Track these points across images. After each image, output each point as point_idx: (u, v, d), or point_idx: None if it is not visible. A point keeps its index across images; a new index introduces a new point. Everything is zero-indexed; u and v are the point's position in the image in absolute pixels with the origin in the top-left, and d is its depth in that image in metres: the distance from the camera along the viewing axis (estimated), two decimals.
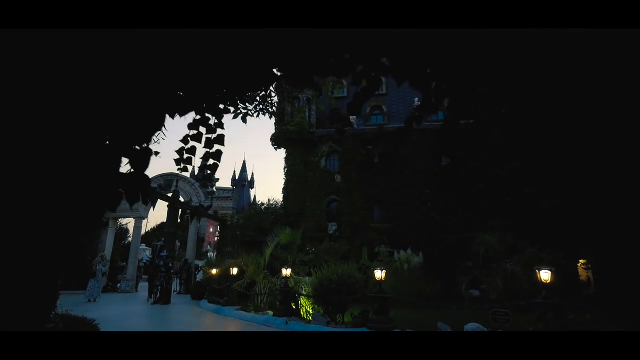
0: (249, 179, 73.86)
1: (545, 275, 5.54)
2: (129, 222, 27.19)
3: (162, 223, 38.29)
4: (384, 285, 7.51)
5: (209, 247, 21.43)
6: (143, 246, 43.23)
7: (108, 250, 21.92)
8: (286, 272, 8.75)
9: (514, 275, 11.82)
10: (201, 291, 14.57)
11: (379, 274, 7.15)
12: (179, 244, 41.50)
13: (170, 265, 13.16)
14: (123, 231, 29.24)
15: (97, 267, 13.37)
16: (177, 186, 14.67)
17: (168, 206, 13.78)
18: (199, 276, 18.78)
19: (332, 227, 19.18)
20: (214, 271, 12.77)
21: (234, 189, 21.69)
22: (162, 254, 14.03)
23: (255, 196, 61.24)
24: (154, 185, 14.95)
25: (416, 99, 21.22)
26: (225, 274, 11.99)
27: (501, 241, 13.02)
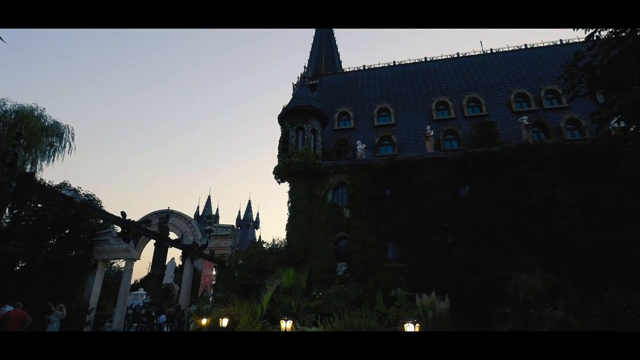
0: (254, 219, 72.11)
1: None
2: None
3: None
4: None
5: (207, 290, 19.35)
6: (141, 291, 40.68)
7: (94, 296, 19.97)
8: (285, 325, 6.86)
9: (564, 323, 9.71)
10: None
11: (411, 329, 5.28)
12: (178, 288, 39.01)
13: (153, 313, 11.22)
14: (122, 275, 27.27)
15: (49, 317, 11.30)
16: (166, 222, 13.08)
17: (155, 244, 12.14)
18: (192, 325, 16.62)
19: (342, 268, 17.16)
20: (204, 321, 10.80)
21: (233, 227, 20.01)
22: (145, 300, 12.13)
23: (260, 237, 59.18)
24: (138, 220, 13.41)
25: (428, 127, 19.98)
26: (215, 325, 10.02)
27: (543, 282, 10.99)
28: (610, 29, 5.82)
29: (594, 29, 5.64)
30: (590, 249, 13.50)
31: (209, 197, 69.09)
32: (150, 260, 14.71)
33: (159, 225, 17.16)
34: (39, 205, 19.04)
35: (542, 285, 10.78)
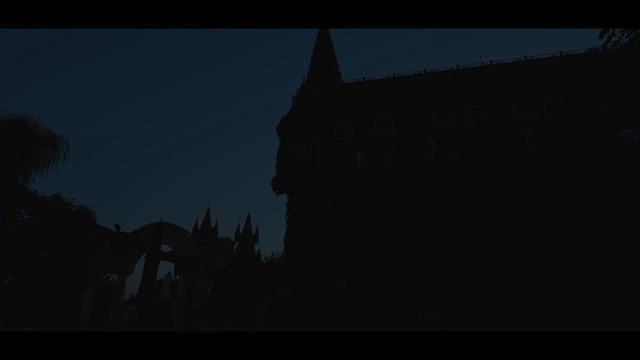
0: (254, 233, 71.10)
1: None
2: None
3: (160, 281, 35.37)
4: None
5: (202, 306, 18.62)
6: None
7: (85, 311, 19.22)
8: None
9: None
10: None
11: None
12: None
13: None
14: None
15: None
16: (159, 235, 12.60)
17: (145, 257, 11.62)
18: None
19: (342, 282, 16.52)
20: None
21: (229, 240, 19.47)
22: None
23: (259, 250, 58.23)
24: (127, 231, 12.92)
25: (429, 137, 19.64)
26: None
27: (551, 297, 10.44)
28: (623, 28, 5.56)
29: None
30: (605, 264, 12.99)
31: (208, 210, 68.24)
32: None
33: (152, 237, 16.65)
34: (32, 217, 18.55)
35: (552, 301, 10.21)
